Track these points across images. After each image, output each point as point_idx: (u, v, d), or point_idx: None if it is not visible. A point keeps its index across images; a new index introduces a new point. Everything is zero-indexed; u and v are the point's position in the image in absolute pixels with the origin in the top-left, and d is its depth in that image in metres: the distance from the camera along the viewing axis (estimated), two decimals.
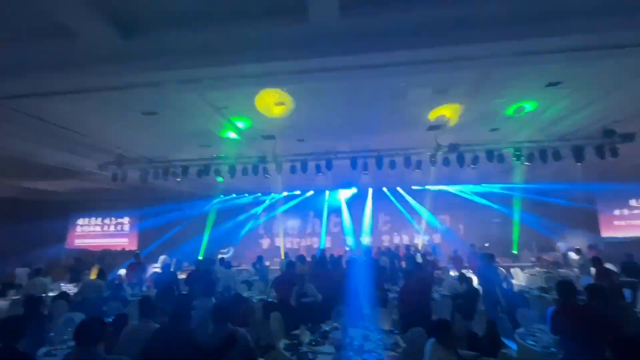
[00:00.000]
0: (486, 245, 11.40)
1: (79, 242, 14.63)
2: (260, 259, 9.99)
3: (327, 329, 4.49)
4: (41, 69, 4.25)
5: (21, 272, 9.26)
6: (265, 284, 8.30)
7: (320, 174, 8.05)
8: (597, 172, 10.07)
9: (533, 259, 10.92)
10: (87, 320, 2.56)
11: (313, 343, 3.99)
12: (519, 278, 9.55)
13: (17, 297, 7.66)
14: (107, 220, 14.94)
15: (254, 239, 14.70)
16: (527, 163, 7.60)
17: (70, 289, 8.39)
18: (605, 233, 12.35)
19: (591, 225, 12.37)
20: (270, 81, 4.80)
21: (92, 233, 14.90)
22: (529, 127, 7.32)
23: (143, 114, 6.30)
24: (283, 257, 11.20)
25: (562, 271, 9.05)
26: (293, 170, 7.95)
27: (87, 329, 2.34)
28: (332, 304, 5.76)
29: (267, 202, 14.48)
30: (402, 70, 4.40)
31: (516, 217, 12.72)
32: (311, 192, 14.16)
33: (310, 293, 5.85)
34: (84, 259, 11.39)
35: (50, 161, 8.08)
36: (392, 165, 7.74)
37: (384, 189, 14.05)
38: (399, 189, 13.82)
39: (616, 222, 12.42)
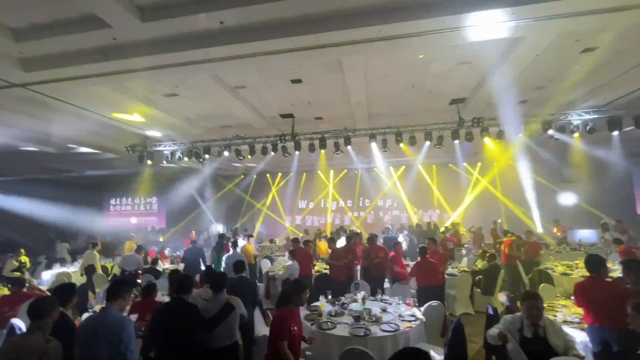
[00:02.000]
0: (499, 221, 10.94)
1: (113, 221, 15.60)
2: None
3: (346, 301, 4.63)
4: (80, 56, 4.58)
5: (61, 247, 10.04)
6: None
7: (340, 152, 8.02)
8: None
9: (559, 235, 10.51)
10: (117, 280, 3.00)
11: (332, 314, 4.14)
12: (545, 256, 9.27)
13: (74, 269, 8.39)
14: (136, 200, 15.77)
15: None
16: (555, 138, 7.22)
17: (104, 264, 9.03)
18: None
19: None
20: None
21: (124, 212, 15.83)
22: (560, 97, 6.89)
23: (164, 95, 6.47)
24: (303, 235, 11.43)
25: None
26: (311, 148, 7.97)
27: (113, 287, 2.75)
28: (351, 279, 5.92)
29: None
30: None
31: None
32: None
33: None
34: (115, 236, 12.19)
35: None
36: (412, 141, 7.57)
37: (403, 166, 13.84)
38: (420, 166, 13.55)
39: None
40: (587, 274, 3.39)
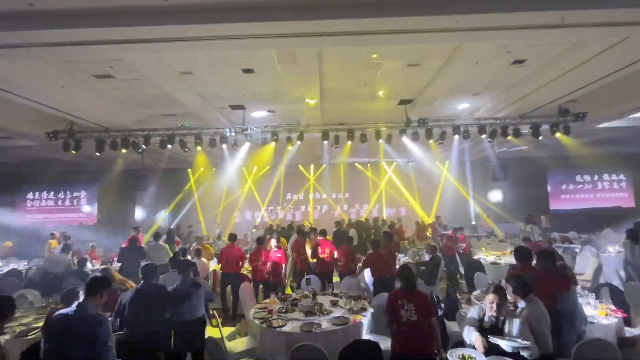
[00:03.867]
0: (439, 215, 11.93)
1: (30, 218, 13.58)
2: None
3: (297, 297, 4.59)
4: None
5: None
6: None
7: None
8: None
9: (490, 229, 11.73)
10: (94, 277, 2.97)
11: (283, 310, 4.07)
12: (477, 246, 10.24)
13: None
14: (60, 195, 13.90)
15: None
16: (489, 139, 7.96)
17: (20, 266, 7.87)
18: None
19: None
20: None
21: (45, 208, 13.85)
22: (493, 104, 7.60)
23: (95, 76, 5.75)
24: (254, 231, 11.15)
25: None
26: (263, 141, 7.74)
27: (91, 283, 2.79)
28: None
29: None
30: None
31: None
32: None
33: None
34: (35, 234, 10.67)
35: None
36: (363, 139, 7.76)
37: (356, 163, 14.28)
38: (368, 163, 14.10)
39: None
40: (513, 262, 3.77)
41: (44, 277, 6.01)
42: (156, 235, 7.75)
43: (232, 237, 6.43)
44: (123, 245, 7.27)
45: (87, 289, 2.70)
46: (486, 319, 2.88)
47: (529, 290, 2.96)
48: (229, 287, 5.98)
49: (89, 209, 13.83)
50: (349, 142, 7.81)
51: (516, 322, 2.76)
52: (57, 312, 2.72)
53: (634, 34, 4.36)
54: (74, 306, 2.63)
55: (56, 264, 6.05)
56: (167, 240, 7.82)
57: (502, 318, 2.81)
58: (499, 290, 2.86)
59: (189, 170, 14.15)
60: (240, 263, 6.12)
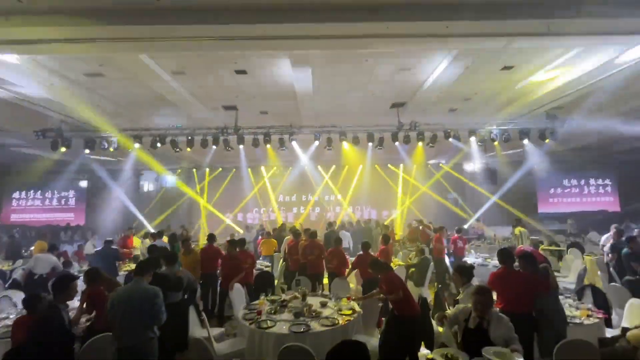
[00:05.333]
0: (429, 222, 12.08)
1: (15, 218, 13.31)
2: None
3: (286, 298, 4.60)
4: None
5: None
6: None
7: (284, 148, 7.93)
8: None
9: (480, 232, 11.89)
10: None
11: (272, 312, 4.07)
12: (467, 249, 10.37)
13: None
14: (48, 194, 13.65)
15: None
16: (479, 143, 8.11)
17: (5, 266, 7.70)
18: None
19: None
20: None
21: (32, 208, 13.58)
22: (482, 109, 7.73)
23: (85, 75, 5.69)
24: (243, 232, 11.12)
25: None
26: (255, 142, 7.75)
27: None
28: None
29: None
30: None
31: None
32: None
33: None
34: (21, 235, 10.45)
35: None
36: (355, 141, 7.83)
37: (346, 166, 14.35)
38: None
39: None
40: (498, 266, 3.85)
41: (28, 278, 5.90)
42: (155, 235, 7.73)
43: (211, 238, 6.37)
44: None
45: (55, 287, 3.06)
46: (472, 319, 2.93)
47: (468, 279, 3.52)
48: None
49: (77, 208, 13.62)
50: (342, 144, 7.87)
51: (502, 323, 2.80)
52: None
53: (612, 43, 4.51)
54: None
55: (41, 265, 5.94)
56: (170, 240, 7.72)
57: (486, 319, 2.86)
58: (481, 291, 2.91)
59: (178, 170, 14.04)
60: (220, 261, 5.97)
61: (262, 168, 14.06)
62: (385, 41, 4.34)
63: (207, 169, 13.95)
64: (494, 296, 3.37)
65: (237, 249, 5.74)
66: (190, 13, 3.85)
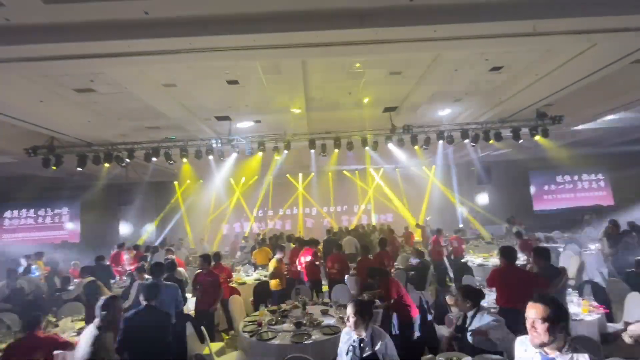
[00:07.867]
0: (427, 219, 12.14)
1: (7, 237, 13.06)
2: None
3: (287, 308, 4.54)
4: None
5: None
6: None
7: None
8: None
9: (477, 232, 11.92)
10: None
11: (272, 322, 4.02)
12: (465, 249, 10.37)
13: None
14: (41, 212, 13.44)
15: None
16: (472, 144, 8.15)
17: None
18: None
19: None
20: None
21: (24, 227, 13.35)
22: (474, 109, 7.80)
23: (76, 90, 5.65)
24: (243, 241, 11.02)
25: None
26: (250, 152, 7.72)
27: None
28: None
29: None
30: None
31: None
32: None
33: None
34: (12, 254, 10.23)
35: None
36: (350, 146, 7.84)
37: (344, 171, 14.37)
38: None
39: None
40: (499, 264, 3.86)
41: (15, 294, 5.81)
42: (154, 248, 7.64)
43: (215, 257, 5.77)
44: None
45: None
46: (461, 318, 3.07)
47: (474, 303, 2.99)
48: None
49: (71, 226, 13.41)
50: (336, 150, 7.88)
51: (485, 317, 2.86)
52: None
53: (600, 41, 4.59)
54: None
55: (28, 284, 5.88)
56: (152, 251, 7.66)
57: (464, 314, 3.00)
58: (458, 290, 3.07)
59: (175, 183, 13.96)
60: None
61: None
62: (374, 47, 4.38)
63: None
64: (494, 293, 3.42)
65: (212, 264, 5.27)
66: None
